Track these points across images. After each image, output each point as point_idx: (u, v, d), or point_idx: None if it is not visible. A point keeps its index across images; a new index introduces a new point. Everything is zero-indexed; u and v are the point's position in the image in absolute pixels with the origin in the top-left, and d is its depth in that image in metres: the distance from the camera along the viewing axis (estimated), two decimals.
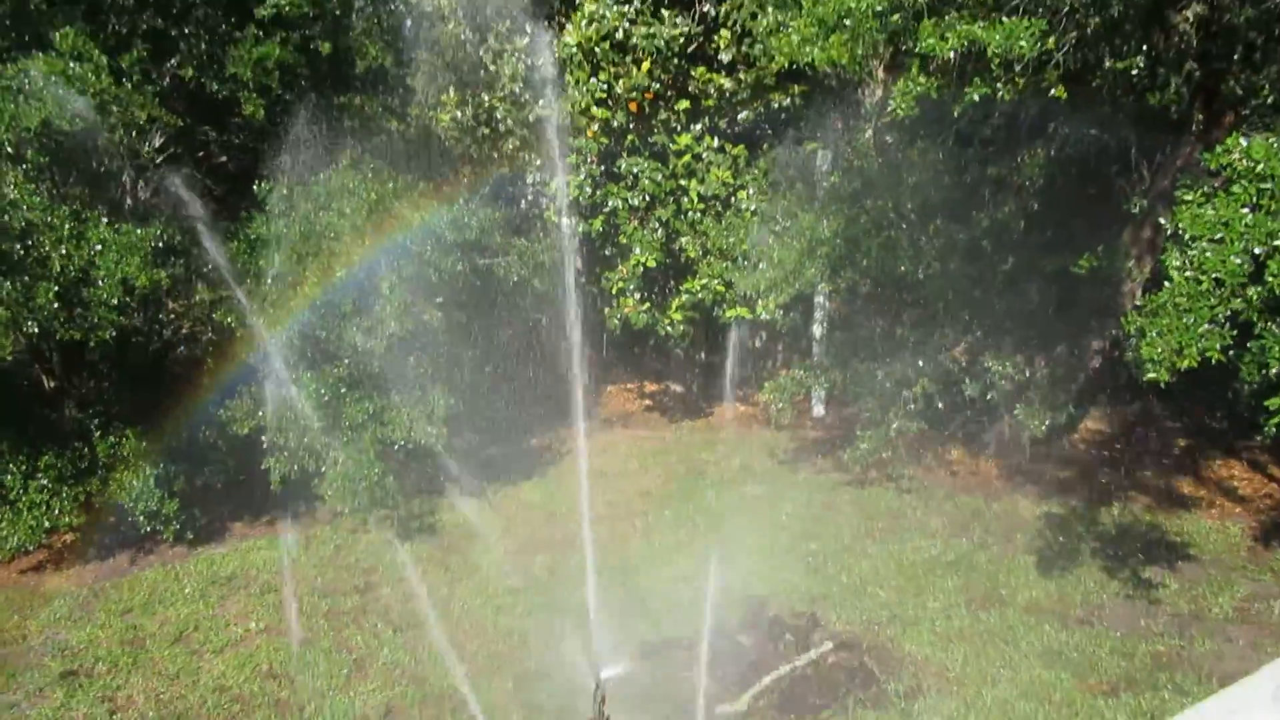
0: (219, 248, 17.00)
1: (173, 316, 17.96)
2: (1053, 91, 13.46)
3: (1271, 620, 13.29)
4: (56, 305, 14.27)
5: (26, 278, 14.20)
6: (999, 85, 12.31)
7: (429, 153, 22.85)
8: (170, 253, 16.08)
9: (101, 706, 12.49)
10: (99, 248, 14.76)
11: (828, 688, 12.31)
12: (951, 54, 11.27)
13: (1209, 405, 19.67)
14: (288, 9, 18.24)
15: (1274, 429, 8.93)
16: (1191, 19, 13.92)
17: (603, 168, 20.38)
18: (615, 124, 19.94)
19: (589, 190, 20.17)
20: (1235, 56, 14.17)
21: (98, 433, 16.19)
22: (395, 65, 21.70)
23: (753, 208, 19.32)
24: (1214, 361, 8.72)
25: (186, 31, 18.43)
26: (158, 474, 16.07)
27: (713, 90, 20.22)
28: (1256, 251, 8.51)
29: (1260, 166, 8.71)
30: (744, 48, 19.65)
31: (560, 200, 20.84)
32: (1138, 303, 14.25)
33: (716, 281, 19.66)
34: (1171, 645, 12.77)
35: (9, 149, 14.37)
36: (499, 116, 21.76)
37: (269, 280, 16.63)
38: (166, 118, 17.20)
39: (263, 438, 16.45)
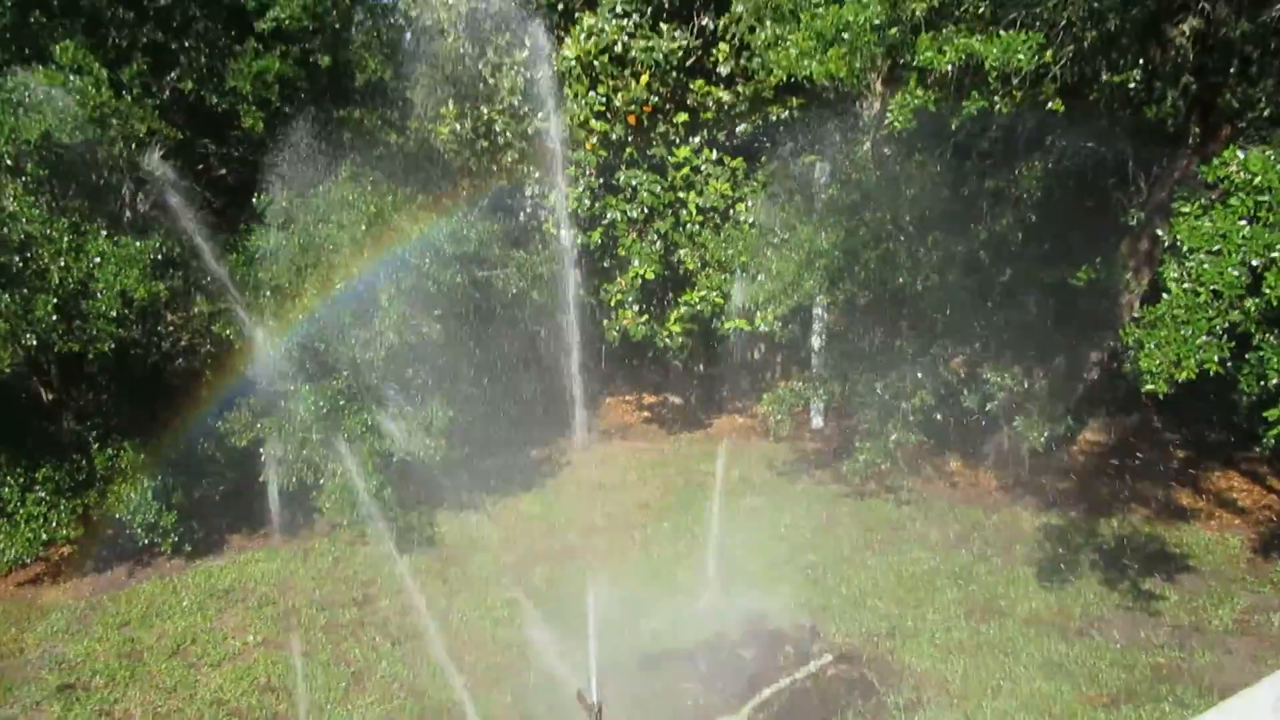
0: (217, 260, 17.06)
1: (171, 329, 17.97)
2: (1050, 105, 13.50)
3: (1271, 632, 13.28)
4: (55, 317, 14.27)
5: (25, 290, 14.21)
6: (996, 98, 12.36)
7: (428, 165, 22.89)
8: (169, 265, 16.09)
9: None
10: (98, 260, 14.78)
11: (828, 700, 12.28)
12: (949, 67, 11.32)
13: (1208, 417, 19.68)
14: (287, 23, 18.30)
15: (1273, 440, 8.95)
16: (1188, 33, 13.98)
17: (601, 180, 20.43)
18: (614, 137, 19.99)
19: (588, 202, 20.22)
20: (1231, 70, 14.23)
21: (96, 445, 16.16)
22: (395, 78, 21.78)
23: (751, 220, 19.35)
24: (1212, 373, 8.74)
25: (186, 45, 18.49)
26: (156, 486, 16.04)
27: (711, 103, 20.30)
28: (1254, 263, 8.54)
29: (1258, 179, 8.74)
30: (742, 61, 19.74)
31: (559, 212, 20.89)
32: (1136, 314, 14.27)
33: (715, 293, 19.69)
34: (1172, 657, 12.75)
35: (9, 161, 14.39)
36: (498, 129, 21.83)
37: (268, 292, 16.64)
38: (166, 130, 17.23)
39: (261, 450, 16.44)
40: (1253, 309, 8.58)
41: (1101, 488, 17.94)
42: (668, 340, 20.54)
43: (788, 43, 13.19)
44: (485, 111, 22.24)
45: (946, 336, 17.25)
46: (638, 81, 19.66)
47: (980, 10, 12.39)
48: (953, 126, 14.01)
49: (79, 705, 12.73)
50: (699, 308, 20.01)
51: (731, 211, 20.04)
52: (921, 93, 12.11)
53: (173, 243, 16.18)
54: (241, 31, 18.84)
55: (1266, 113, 14.14)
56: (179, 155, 18.18)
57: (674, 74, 19.98)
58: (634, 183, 20.06)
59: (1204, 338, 8.71)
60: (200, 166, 19.77)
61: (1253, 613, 13.74)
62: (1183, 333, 8.77)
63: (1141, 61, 14.60)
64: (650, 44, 19.46)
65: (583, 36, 19.73)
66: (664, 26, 19.83)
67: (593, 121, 19.92)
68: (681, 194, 20.18)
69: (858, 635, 13.69)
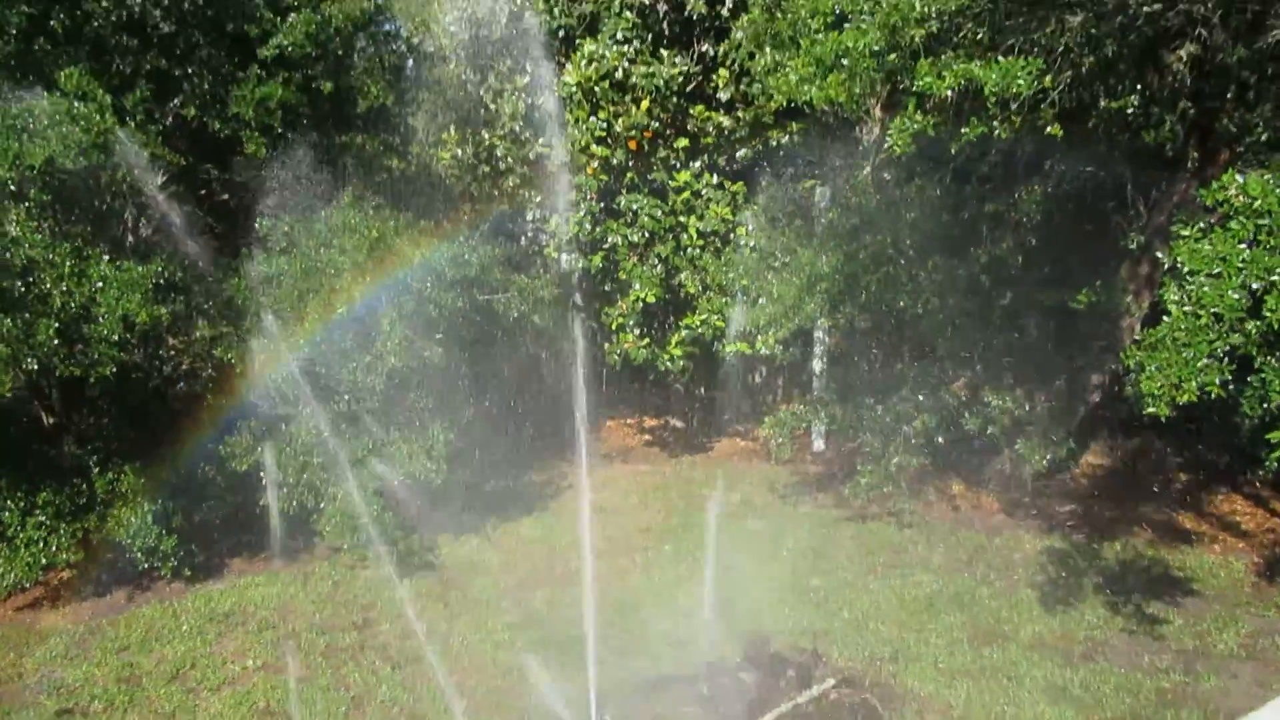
0: (219, 284, 17.12)
1: (173, 353, 18.00)
2: (1049, 130, 13.58)
3: (1277, 656, 13.21)
4: (57, 342, 14.26)
5: (27, 314, 14.22)
6: (995, 123, 12.42)
7: (430, 190, 23.02)
8: (171, 289, 16.13)
9: None
10: (100, 284, 14.79)
11: None
12: (948, 92, 11.38)
13: (1210, 440, 19.66)
14: (290, 49, 18.44)
15: (1275, 463, 8.94)
16: (1185, 58, 14.06)
17: (602, 204, 20.51)
18: (615, 162, 20.09)
19: (589, 227, 20.29)
20: (1229, 95, 14.31)
21: (96, 469, 16.13)
22: (396, 104, 21.93)
23: (752, 244, 19.41)
24: (1214, 396, 8.74)
25: (190, 71, 18.63)
26: (156, 510, 15.99)
27: (711, 128, 20.41)
28: (1254, 287, 8.56)
29: (1257, 203, 8.78)
30: (742, 87, 19.86)
31: (560, 237, 20.96)
32: (1137, 337, 14.29)
33: (716, 317, 19.72)
34: (1176, 682, 12.68)
35: (12, 187, 14.45)
36: (499, 154, 21.95)
37: (269, 316, 16.68)
38: (169, 156, 17.33)
39: (261, 474, 16.43)
40: (1254, 332, 8.59)
41: (1104, 511, 17.90)
42: (669, 364, 20.56)
43: (787, 68, 13.29)
44: (486, 137, 22.40)
45: (947, 359, 17.27)
46: (638, 107, 19.77)
47: (979, 36, 12.49)
48: (952, 151, 14.08)
49: None
50: (700, 331, 20.04)
51: (732, 235, 20.11)
52: (920, 117, 12.17)
53: (175, 267, 16.22)
54: (244, 58, 18.99)
55: (1264, 137, 14.21)
56: (182, 181, 18.28)
57: (674, 99, 20.10)
58: (635, 207, 20.14)
59: (1205, 360, 8.72)
60: (203, 192, 19.88)
61: (1258, 637, 13.68)
62: (1184, 355, 8.78)
63: (1139, 87, 14.70)
64: (651, 70, 19.60)
65: (584, 63, 19.86)
66: (664, 53, 19.97)
67: (594, 146, 20.01)
68: (682, 218, 20.25)
69: (860, 659, 13.63)
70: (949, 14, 11.69)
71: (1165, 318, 9.13)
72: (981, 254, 17.28)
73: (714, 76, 20.44)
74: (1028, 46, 12.55)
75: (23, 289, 14.43)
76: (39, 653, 14.51)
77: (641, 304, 20.01)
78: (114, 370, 14.92)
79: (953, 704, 12.47)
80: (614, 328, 20.60)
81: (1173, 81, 14.54)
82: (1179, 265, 9.08)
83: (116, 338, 14.59)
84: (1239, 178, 9.07)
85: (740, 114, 20.41)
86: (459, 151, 22.70)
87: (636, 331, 20.47)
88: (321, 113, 20.16)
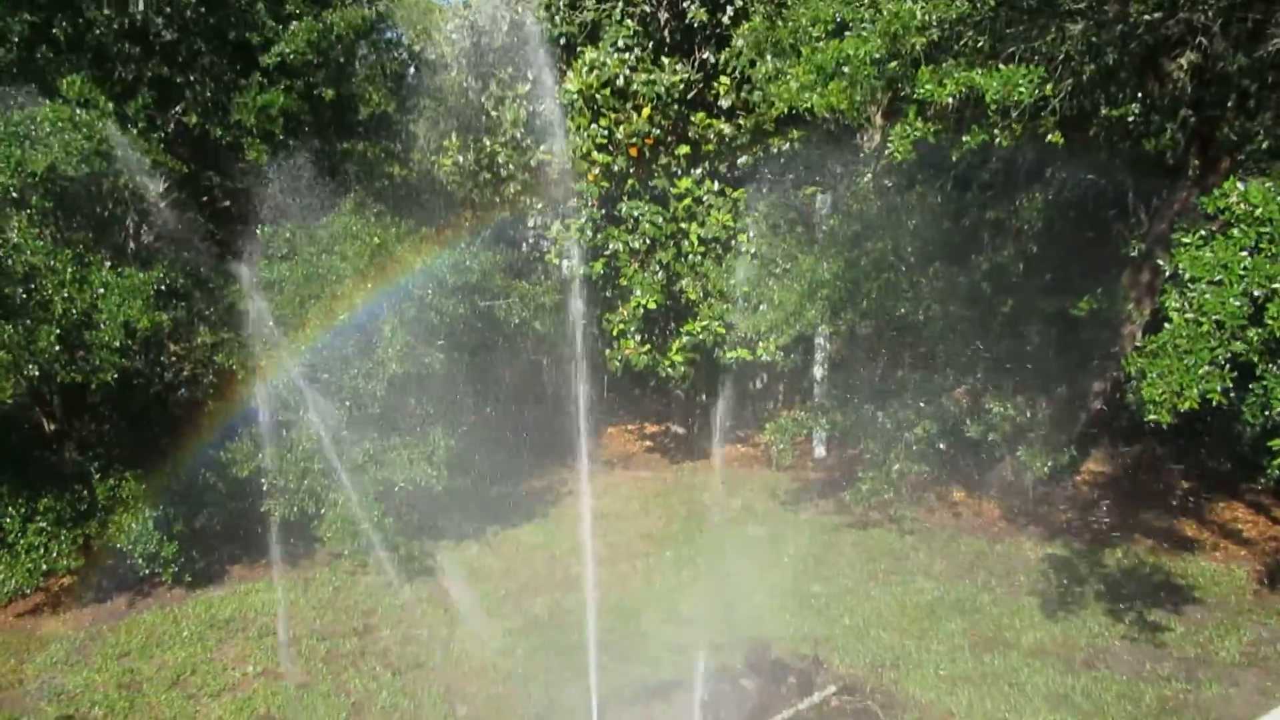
0: (220, 291, 17.14)
1: (174, 359, 18.04)
2: (1049, 137, 13.60)
3: (1279, 664, 13.19)
4: (58, 348, 14.28)
5: (29, 321, 14.24)
6: (996, 131, 12.45)
7: (431, 197, 23.08)
8: (172, 296, 16.16)
9: None
10: (101, 291, 14.83)
11: None
12: (949, 100, 11.40)
13: (1211, 448, 19.66)
14: (292, 57, 18.51)
15: (1277, 471, 8.93)
16: (1186, 66, 14.11)
17: (603, 211, 20.53)
18: (616, 169, 20.11)
19: (590, 233, 20.31)
20: (1230, 103, 14.34)
21: (98, 475, 16.14)
22: (398, 111, 22.02)
23: (753, 250, 19.43)
24: (1215, 403, 8.73)
25: (191, 79, 18.70)
26: (157, 516, 16.00)
27: (712, 135, 20.44)
28: (1256, 294, 8.56)
29: (1259, 210, 8.78)
30: (743, 94, 19.91)
31: (561, 243, 20.99)
32: (1138, 344, 14.30)
33: (717, 323, 19.74)
34: (1179, 689, 12.66)
35: (14, 194, 14.48)
36: (500, 161, 21.99)
37: (270, 323, 16.70)
38: (171, 163, 17.37)
39: (262, 480, 16.43)
40: (1255, 339, 8.59)
41: (1105, 518, 17.90)
42: (670, 370, 20.57)
43: (788, 76, 13.32)
44: (488, 144, 22.45)
45: (949, 366, 17.28)
46: (639, 114, 19.81)
47: (979, 44, 12.53)
48: (953, 158, 14.11)
49: None
50: (701, 337, 20.05)
51: (733, 242, 20.13)
52: (921, 124, 12.19)
53: (176, 274, 16.25)
54: (246, 66, 19.06)
55: (1265, 145, 14.24)
56: (183, 188, 18.34)
57: (675, 107, 20.13)
58: (636, 214, 20.16)
59: (1206, 367, 8.71)
60: (204, 199, 19.93)
61: (1260, 644, 13.66)
62: (1185, 362, 8.78)
63: (1140, 95, 14.72)
64: (652, 77, 19.64)
65: (585, 70, 19.90)
66: (665, 60, 20.01)
67: (595, 154, 20.05)
68: (683, 225, 20.27)
69: (861, 666, 13.61)
70: (950, 22, 11.73)
71: (1166, 325, 9.12)
72: (983, 261, 17.30)
73: (715, 84, 20.49)
74: (1028, 54, 12.59)
75: (24, 296, 14.46)
76: (40, 659, 14.49)
77: (642, 310, 20.03)
78: (115, 377, 14.94)
79: (954, 711, 12.45)
80: (615, 334, 20.62)
81: (1173, 89, 14.58)
82: (1180, 272, 9.07)
83: (118, 344, 14.62)
84: (1240, 185, 9.07)
85: (741, 121, 20.45)
86: (460, 158, 22.78)
87: (637, 338, 20.48)
88: (323, 120, 20.23)
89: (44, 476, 16.08)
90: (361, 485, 16.02)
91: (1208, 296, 8.72)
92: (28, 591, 15.74)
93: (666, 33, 20.64)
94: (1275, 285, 8.48)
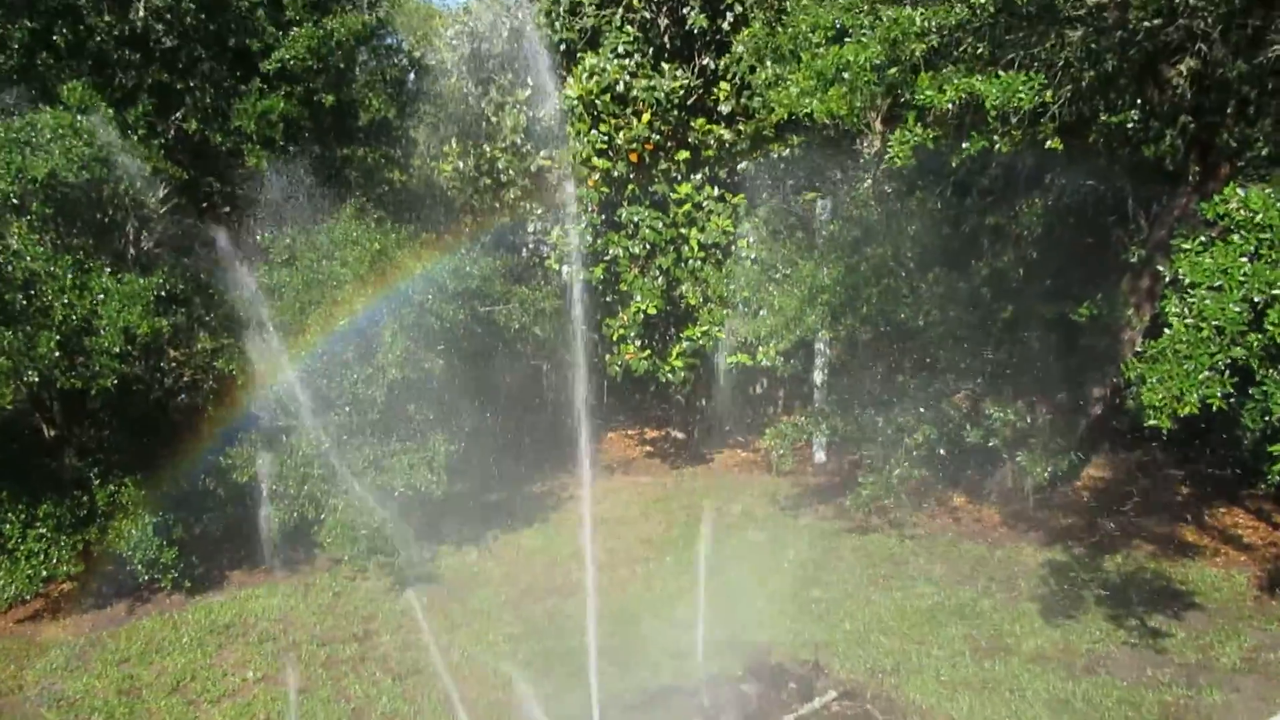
0: (220, 296, 17.15)
1: (174, 365, 18.03)
2: (1049, 144, 13.62)
3: None
4: (58, 354, 14.29)
5: (28, 327, 14.25)
6: (996, 137, 12.46)
7: (431, 203, 23.09)
8: (172, 301, 16.17)
9: None
10: (101, 297, 14.84)
11: None
12: (949, 106, 11.42)
13: (1211, 453, 19.65)
14: (292, 63, 18.54)
15: (1277, 476, 8.93)
16: (1185, 73, 14.12)
17: (604, 217, 20.55)
18: (616, 174, 20.13)
19: (590, 238, 20.32)
20: (1229, 110, 14.35)
21: (97, 481, 16.14)
22: (398, 117, 22.02)
23: (753, 256, 19.44)
24: (1215, 408, 8.73)
25: (192, 85, 18.72)
26: (157, 522, 16.00)
27: (712, 141, 20.47)
28: (1256, 300, 8.56)
29: (1259, 217, 8.79)
30: (743, 100, 19.94)
31: (561, 248, 21.00)
32: (1138, 349, 14.30)
33: (717, 328, 19.75)
34: (1179, 695, 12.65)
35: (14, 200, 14.50)
36: (500, 167, 22.00)
37: (271, 328, 16.71)
38: (171, 169, 17.39)
39: (262, 485, 16.43)
40: (1255, 345, 8.59)
41: (1106, 523, 17.88)
42: (670, 375, 20.57)
43: (788, 82, 13.34)
44: (488, 150, 22.46)
45: (949, 371, 17.28)
46: (639, 120, 19.84)
47: (979, 51, 12.54)
48: (953, 164, 14.11)
49: None
50: (701, 343, 20.06)
51: (733, 247, 20.15)
52: (921, 130, 12.19)
53: (176, 279, 16.26)
54: (246, 72, 19.08)
55: (1265, 152, 14.26)
56: (183, 194, 18.35)
57: (675, 112, 20.16)
58: (636, 219, 20.18)
59: (1206, 373, 8.71)
60: (204, 204, 19.95)
61: (1261, 650, 13.64)
62: (1185, 367, 8.78)
63: (1140, 101, 14.75)
64: (652, 83, 19.66)
65: (585, 76, 19.93)
66: (665, 66, 20.05)
67: (595, 159, 20.07)
68: (683, 230, 20.29)
69: (862, 671, 13.60)
70: (949, 28, 11.74)
71: (1167, 330, 9.12)
72: (982, 267, 17.31)
73: (715, 90, 20.51)
74: (1028, 61, 12.61)
75: (24, 302, 14.49)
76: (39, 665, 14.49)
77: (642, 315, 20.03)
78: (115, 382, 14.94)
79: (955, 717, 12.43)
80: (615, 339, 20.63)
81: (1173, 96, 14.59)
82: (1180, 278, 9.08)
83: (118, 350, 14.62)
84: (1240, 191, 9.08)
85: (741, 127, 20.47)
86: (460, 164, 22.79)
87: (637, 343, 20.49)
88: (323, 126, 20.25)
89: (44, 482, 16.08)
90: (361, 491, 16.01)
91: (1208, 302, 8.73)
92: (28, 597, 15.73)
93: (666, 39, 20.69)
94: (1275, 291, 8.49)
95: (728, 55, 20.00)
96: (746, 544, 17.81)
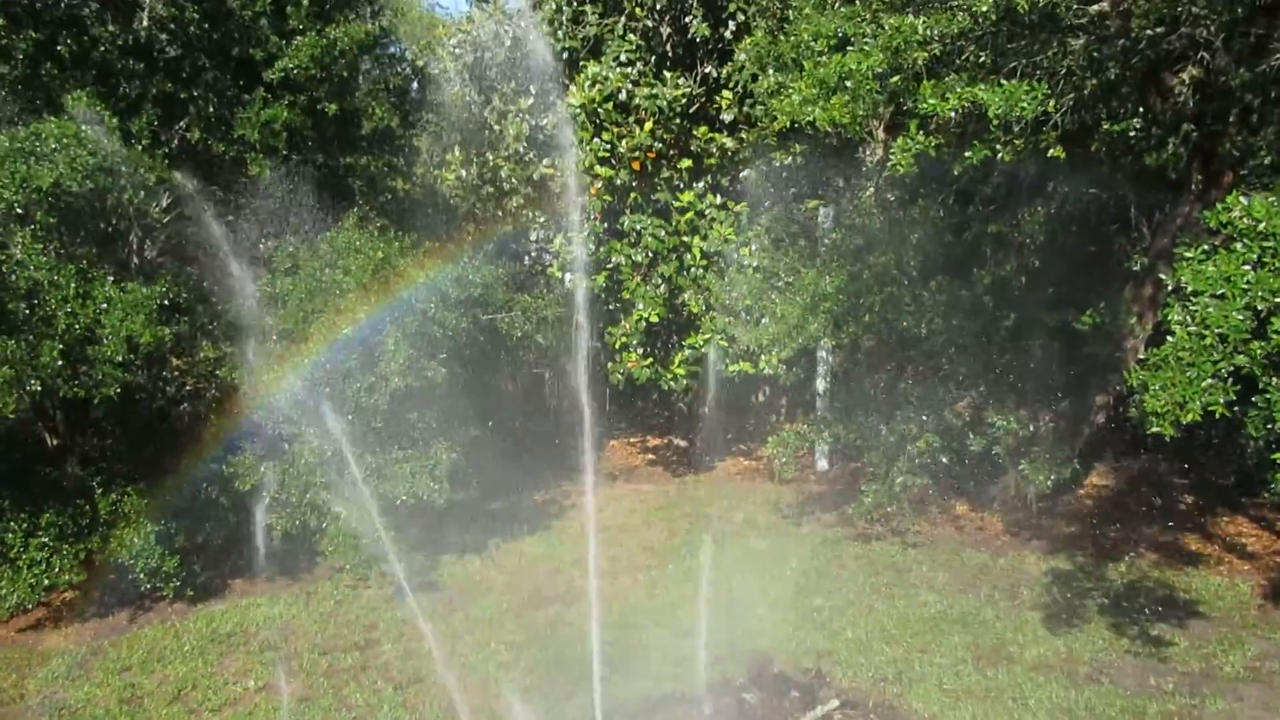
0: (223, 305, 17.17)
1: (177, 373, 18.06)
2: (1051, 152, 13.63)
3: None
4: (61, 363, 14.32)
5: (31, 336, 14.28)
6: (998, 146, 12.48)
7: (434, 211, 23.12)
8: (175, 310, 16.20)
9: None
10: (104, 306, 14.88)
11: None
12: (952, 114, 11.44)
13: (1214, 462, 19.62)
14: (295, 72, 18.60)
15: None
16: (1188, 81, 14.14)
17: (606, 225, 20.58)
18: (618, 182, 20.17)
19: (592, 247, 20.35)
20: (1232, 118, 14.36)
21: (100, 490, 16.14)
22: (401, 126, 22.09)
23: (755, 264, 19.47)
24: (1218, 416, 8.72)
25: (195, 95, 18.79)
26: (159, 531, 15.99)
27: (715, 149, 20.51)
28: (1259, 308, 8.55)
29: (1262, 225, 8.78)
30: (745, 108, 19.99)
31: (563, 257, 21.03)
32: (1141, 358, 14.29)
33: (719, 336, 19.76)
34: (1183, 704, 12.60)
35: (18, 210, 14.54)
36: (503, 175, 22.05)
37: (274, 337, 16.73)
38: (175, 179, 17.44)
39: (264, 494, 16.43)
40: (1259, 353, 8.58)
41: (1109, 532, 17.85)
42: (672, 383, 20.58)
43: (790, 90, 13.34)
44: (490, 158, 22.50)
45: (951, 379, 17.28)
46: (642, 128, 19.88)
47: (981, 59, 12.58)
48: (955, 172, 14.13)
49: None
50: (703, 351, 20.07)
51: (736, 255, 20.17)
52: (923, 138, 12.23)
53: (179, 288, 16.30)
54: (250, 81, 19.15)
55: (1268, 160, 14.25)
56: (187, 203, 18.39)
57: (678, 121, 20.21)
58: (638, 227, 20.21)
59: (1209, 380, 8.70)
60: (208, 214, 19.98)
61: (1264, 660, 13.59)
62: (1188, 374, 8.77)
63: (1142, 109, 14.76)
64: (654, 92, 19.71)
65: (587, 84, 19.98)
66: (668, 74, 20.10)
67: (597, 167, 20.12)
68: (686, 238, 20.32)
69: (864, 680, 13.56)
70: (951, 37, 11.78)
71: (1169, 337, 9.12)
72: (985, 275, 17.32)
73: (717, 98, 20.56)
74: (1030, 69, 12.63)
75: (27, 311, 14.52)
76: (41, 673, 14.46)
77: (645, 323, 20.05)
78: (118, 391, 14.97)
79: None
80: (617, 347, 20.64)
81: (1176, 104, 14.60)
82: (1183, 286, 9.07)
83: (120, 359, 14.65)
84: (1243, 200, 9.07)
85: (744, 135, 20.52)
86: (463, 173, 22.84)
87: (640, 351, 20.50)
88: (326, 135, 20.33)
89: (46, 491, 16.08)
90: (363, 499, 16.00)
91: (1210, 310, 8.72)
92: (29, 606, 15.71)
93: (669, 47, 20.75)
94: (1278, 299, 8.48)
95: (730, 63, 20.05)
96: (748, 552, 17.79)
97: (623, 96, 19.83)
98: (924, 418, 16.82)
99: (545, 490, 21.26)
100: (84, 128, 15.20)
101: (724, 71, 20.38)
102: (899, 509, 17.31)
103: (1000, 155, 12.77)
